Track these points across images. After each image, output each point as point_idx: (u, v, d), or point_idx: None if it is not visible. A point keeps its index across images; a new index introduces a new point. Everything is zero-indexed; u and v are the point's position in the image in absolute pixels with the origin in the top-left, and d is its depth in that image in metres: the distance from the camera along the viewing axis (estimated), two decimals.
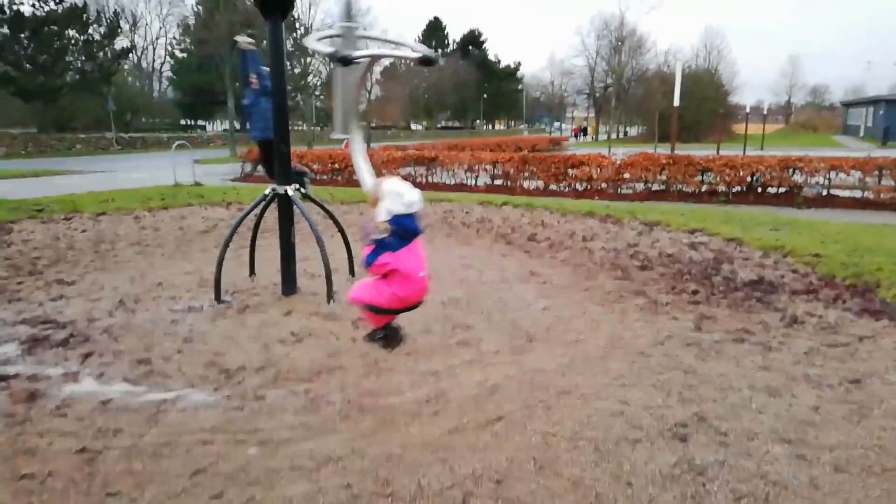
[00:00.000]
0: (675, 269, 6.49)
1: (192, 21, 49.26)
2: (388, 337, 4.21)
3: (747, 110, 36.27)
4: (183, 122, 64.27)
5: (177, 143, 19.60)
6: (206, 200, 11.14)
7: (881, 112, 44.91)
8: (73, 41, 43.17)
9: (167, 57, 65.98)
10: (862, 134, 51.46)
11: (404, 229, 3.55)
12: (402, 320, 4.26)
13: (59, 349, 4.45)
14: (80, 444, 3.10)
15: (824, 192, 12.97)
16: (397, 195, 3.53)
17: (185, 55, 54.02)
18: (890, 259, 6.16)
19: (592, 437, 3.08)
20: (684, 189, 13.82)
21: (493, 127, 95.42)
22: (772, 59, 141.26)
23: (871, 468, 2.75)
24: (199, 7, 42.65)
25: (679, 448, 2.96)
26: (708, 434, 3.09)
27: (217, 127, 70.86)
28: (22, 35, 40.24)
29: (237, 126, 36.81)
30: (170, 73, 61.51)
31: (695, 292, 5.68)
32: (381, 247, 3.56)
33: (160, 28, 68.56)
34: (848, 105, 62.36)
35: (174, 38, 62.04)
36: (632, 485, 2.67)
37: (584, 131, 64.78)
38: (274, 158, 5.74)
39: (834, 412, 3.29)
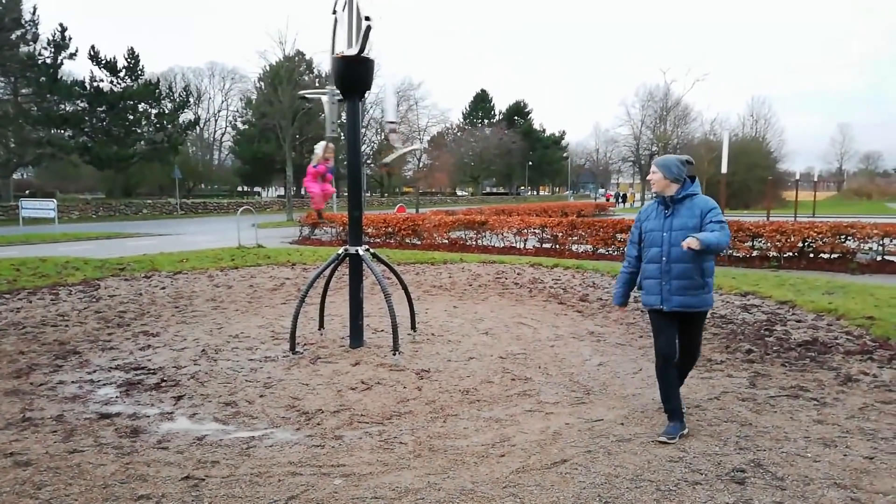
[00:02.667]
0: (728, 330, 6.62)
1: (254, 95, 52.52)
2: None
3: (797, 177, 35.97)
4: (240, 188, 67.39)
5: (242, 208, 20.76)
6: (273, 261, 11.81)
7: None
8: (144, 114, 46.46)
9: (227, 128, 70.07)
10: None
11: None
12: (463, 371, 4.56)
13: (153, 392, 4.90)
14: (184, 473, 3.46)
15: (878, 258, 12.83)
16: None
17: (246, 126, 57.22)
18: None
19: (653, 479, 3.28)
20: (734, 254, 13.85)
21: (538, 193, 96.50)
22: (821, 128, 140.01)
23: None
24: (262, 83, 45.48)
25: (737, 490, 3.13)
26: (765, 478, 3.25)
27: (272, 193, 73.94)
28: (99, 108, 43.60)
29: (293, 191, 38.43)
30: (230, 143, 65.06)
31: (749, 352, 5.80)
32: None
33: (222, 101, 72.83)
34: None
35: (236, 111, 65.99)
36: None
37: (623, 198, 63.93)
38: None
39: (889, 461, 3.40)
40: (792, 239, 13.13)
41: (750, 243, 13.78)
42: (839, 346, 5.85)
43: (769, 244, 13.42)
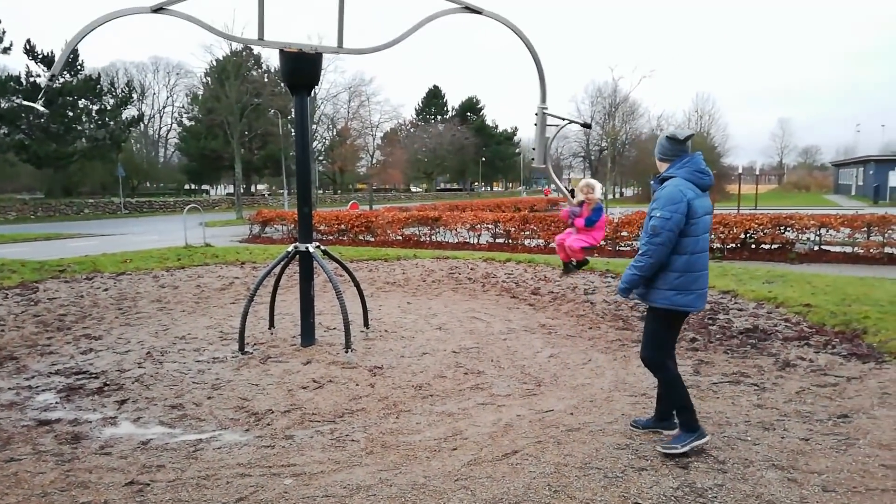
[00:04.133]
0: None
1: (200, 91, 51.18)
2: (579, 264, 5.55)
3: (740, 171, 37.20)
4: (187, 186, 65.61)
5: (189, 206, 20.21)
6: (221, 260, 11.54)
7: (871, 172, 46.00)
8: (85, 110, 44.66)
9: (173, 124, 68.07)
10: (853, 193, 52.50)
11: (599, 207, 5.25)
12: (416, 367, 4.55)
13: (95, 397, 4.73)
14: (127, 478, 3.36)
15: (816, 248, 13.40)
16: (599, 188, 5.24)
17: (192, 122, 55.72)
18: (876, 308, 6.48)
19: (601, 467, 3.35)
20: None
21: (492, 189, 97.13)
22: (763, 124, 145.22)
23: (856, 489, 3.01)
24: (209, 78, 44.35)
25: (681, 474, 3.23)
26: (707, 462, 3.36)
27: (221, 191, 72.24)
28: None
29: (241, 189, 37.67)
30: (176, 140, 63.22)
31: (693, 340, 5.99)
32: (597, 212, 5.22)
33: (167, 97, 70.60)
34: (839, 165, 63.79)
35: (182, 106, 64.16)
36: None
37: (571, 192, 64.15)
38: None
39: (823, 442, 3.56)
40: (734, 231, 13.59)
41: None
42: (778, 333, 6.09)
43: (713, 236, 13.84)
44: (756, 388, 4.58)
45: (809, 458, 3.37)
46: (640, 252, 3.48)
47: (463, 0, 5.79)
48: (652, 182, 3.66)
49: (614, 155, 59.72)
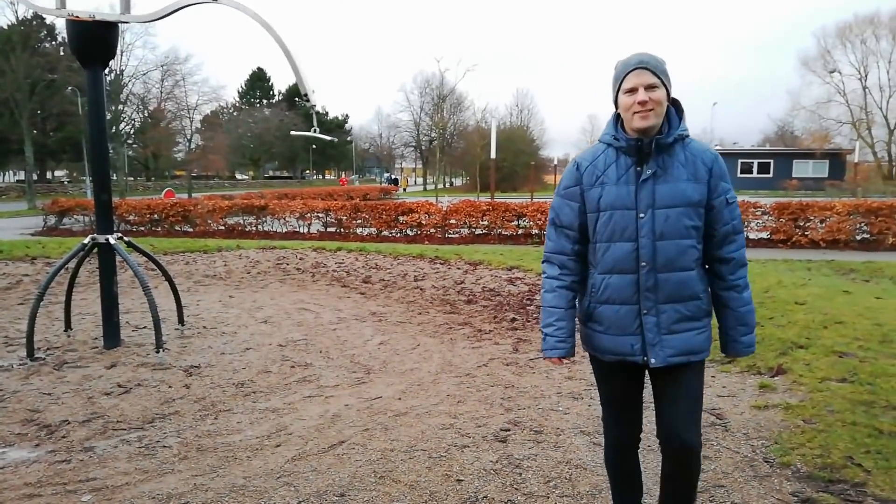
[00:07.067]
0: (496, 302, 7.16)
1: None
2: None
3: (555, 162, 40.30)
4: None
5: None
6: (6, 256, 10.04)
7: None
8: None
9: None
10: None
11: None
12: (238, 364, 4.30)
13: None
14: None
15: None
16: None
17: None
18: None
19: (426, 448, 3.41)
20: (503, 233, 15.05)
21: (324, 177, 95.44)
22: (574, 118, 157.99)
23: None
24: None
25: (500, 448, 3.39)
26: (524, 433, 3.56)
27: (10, 178, 63.13)
28: None
29: (35, 176, 33.21)
30: None
31: (513, 320, 6.33)
32: None
33: None
34: None
35: None
36: (461, 481, 3.03)
37: (395, 182, 61.74)
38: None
39: None
40: None
41: (516, 222, 15.07)
42: None
43: (532, 223, 14.80)
44: (569, 362, 4.94)
45: None
46: (731, 261, 2.16)
47: None
48: (609, 143, 2.17)
49: (443, 145, 61.58)
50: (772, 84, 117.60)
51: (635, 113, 2.06)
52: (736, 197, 2.18)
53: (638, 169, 2.11)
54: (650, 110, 2.04)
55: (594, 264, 2.23)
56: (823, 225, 13.65)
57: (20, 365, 5.03)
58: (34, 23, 36.49)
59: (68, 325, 5.95)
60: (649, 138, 2.08)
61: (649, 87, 2.05)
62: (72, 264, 5.65)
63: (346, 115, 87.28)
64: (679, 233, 2.08)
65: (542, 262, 2.39)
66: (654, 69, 2.06)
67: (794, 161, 49.54)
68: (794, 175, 46.91)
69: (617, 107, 2.16)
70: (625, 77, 2.09)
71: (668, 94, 2.10)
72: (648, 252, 2.09)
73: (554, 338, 2.30)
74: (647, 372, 2.29)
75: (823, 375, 4.35)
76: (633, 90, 2.06)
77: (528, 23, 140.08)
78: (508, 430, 3.63)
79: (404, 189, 59.87)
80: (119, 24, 5.17)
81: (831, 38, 53.21)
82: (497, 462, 3.22)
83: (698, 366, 2.21)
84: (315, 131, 5.65)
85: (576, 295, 2.30)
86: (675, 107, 2.16)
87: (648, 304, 2.12)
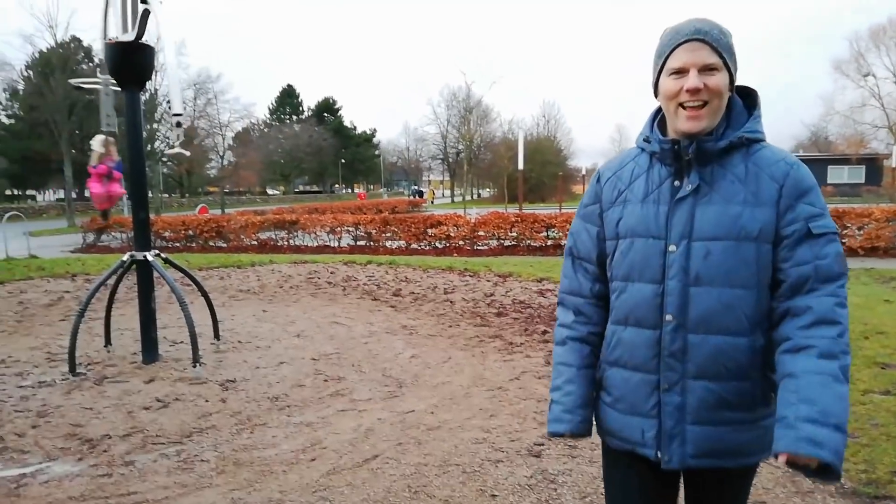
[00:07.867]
0: (526, 314, 7.13)
1: (20, 85, 45.74)
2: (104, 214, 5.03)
3: (584, 172, 40.09)
4: (9, 192, 58.35)
5: (9, 213, 17.96)
6: (48, 273, 10.37)
7: None
8: None
9: None
10: None
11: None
12: (273, 378, 4.36)
13: None
14: None
15: None
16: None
17: (12, 121, 49.70)
18: None
19: (460, 462, 3.40)
20: (532, 244, 15.00)
21: (353, 191, 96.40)
22: (603, 128, 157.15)
23: None
24: (30, 72, 39.79)
25: (535, 462, 3.37)
26: (559, 448, 3.53)
27: (50, 196, 65.17)
28: None
29: (74, 194, 34.23)
30: None
31: (544, 332, 6.30)
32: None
33: None
34: None
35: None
36: (496, 496, 3.02)
37: (420, 194, 60.07)
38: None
39: None
40: None
41: (545, 233, 15.01)
42: None
43: (561, 233, 14.71)
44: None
45: None
46: (806, 311, 1.39)
47: None
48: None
49: (470, 157, 61.76)
50: (803, 89, 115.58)
51: (682, 105, 1.44)
52: (833, 228, 1.42)
53: (676, 183, 1.49)
54: (703, 104, 1.42)
55: (610, 310, 1.63)
56: (861, 232, 13.30)
57: (63, 380, 5.17)
58: (72, 46, 37.77)
59: (108, 341, 6.10)
60: (691, 140, 1.45)
61: (705, 70, 1.42)
62: (111, 281, 5.80)
63: (374, 129, 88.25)
64: (724, 277, 1.42)
65: (558, 303, 1.76)
66: (714, 43, 1.42)
67: (829, 167, 48.41)
68: (829, 181, 45.83)
69: (657, 94, 1.54)
70: (672, 52, 1.46)
71: (733, 81, 1.48)
72: (677, 301, 1.45)
73: (560, 406, 1.65)
74: (681, 476, 1.62)
75: (866, 388, 4.24)
76: (681, 71, 1.44)
77: (554, 34, 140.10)
78: (542, 444, 3.60)
79: (432, 201, 59.96)
80: (154, 48, 5.32)
81: (864, 42, 52.02)
82: (531, 477, 3.20)
83: (739, 477, 1.57)
84: (175, 146, 5.83)
85: (594, 350, 1.67)
86: (742, 99, 1.53)
87: (671, 376, 1.48)
